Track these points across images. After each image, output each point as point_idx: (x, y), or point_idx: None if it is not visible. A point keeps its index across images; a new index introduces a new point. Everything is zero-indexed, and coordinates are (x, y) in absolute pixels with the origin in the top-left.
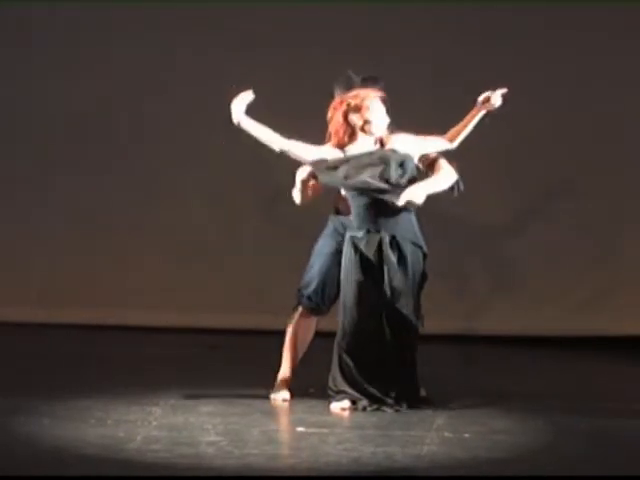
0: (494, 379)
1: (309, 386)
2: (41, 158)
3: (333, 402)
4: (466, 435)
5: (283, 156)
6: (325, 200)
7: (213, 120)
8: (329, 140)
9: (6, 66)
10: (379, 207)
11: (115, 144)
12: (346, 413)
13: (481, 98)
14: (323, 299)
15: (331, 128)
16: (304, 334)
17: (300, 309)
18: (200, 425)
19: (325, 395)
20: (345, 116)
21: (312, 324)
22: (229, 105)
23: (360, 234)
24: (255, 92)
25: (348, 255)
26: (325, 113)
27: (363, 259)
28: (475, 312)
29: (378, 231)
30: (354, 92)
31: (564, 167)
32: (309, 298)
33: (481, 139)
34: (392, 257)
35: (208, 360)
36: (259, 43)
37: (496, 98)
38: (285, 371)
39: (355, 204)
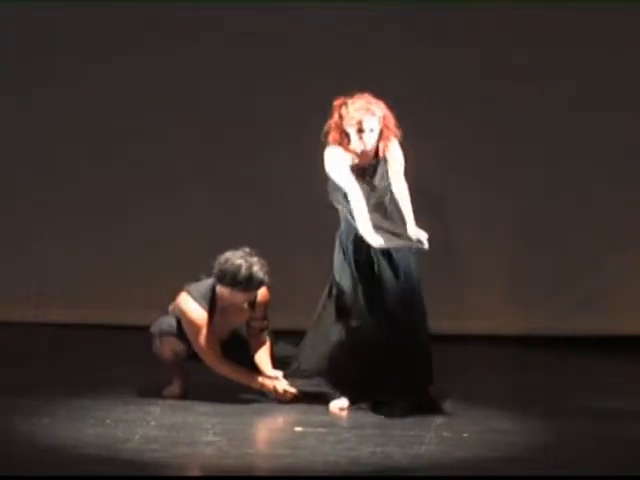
0: (493, 379)
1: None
2: (41, 159)
3: (332, 401)
4: (465, 435)
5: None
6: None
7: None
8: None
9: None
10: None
11: (116, 145)
12: (344, 413)
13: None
14: None
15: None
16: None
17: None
18: (198, 425)
19: (323, 395)
20: (340, 118)
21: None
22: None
23: (348, 238)
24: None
25: (338, 260)
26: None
27: (354, 263)
28: (474, 312)
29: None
30: (358, 96)
31: (564, 166)
32: None
33: (482, 136)
34: (382, 260)
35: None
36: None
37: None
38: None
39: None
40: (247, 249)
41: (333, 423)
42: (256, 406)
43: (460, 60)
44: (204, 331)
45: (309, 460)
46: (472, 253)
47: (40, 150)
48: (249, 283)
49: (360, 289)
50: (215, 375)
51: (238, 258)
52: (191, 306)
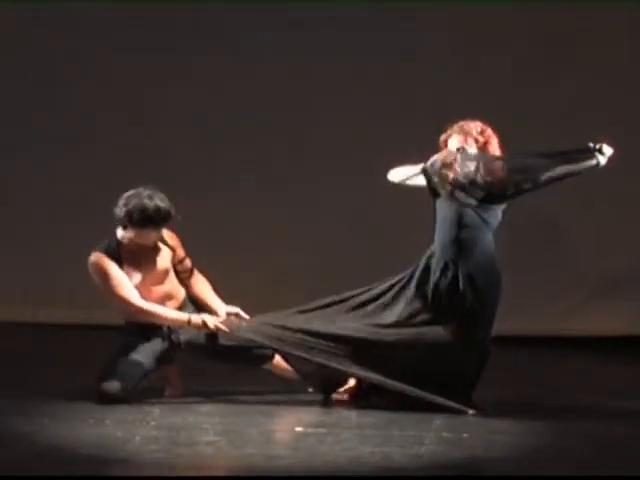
0: (493, 379)
1: (308, 385)
2: (41, 160)
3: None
4: (464, 435)
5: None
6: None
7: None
8: None
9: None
10: (449, 228)
11: (116, 145)
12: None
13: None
14: None
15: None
16: None
17: None
18: (198, 425)
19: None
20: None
21: None
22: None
23: (439, 261)
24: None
25: (422, 271)
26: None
27: (435, 284)
28: None
29: (443, 256)
30: (459, 123)
31: None
32: None
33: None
34: (468, 287)
35: (207, 360)
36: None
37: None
38: None
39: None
40: (141, 187)
41: (333, 423)
42: (256, 406)
43: None
44: (119, 278)
45: (309, 460)
46: None
47: (40, 150)
48: (158, 216)
49: (434, 309)
50: (215, 376)
51: (137, 197)
52: (100, 256)
